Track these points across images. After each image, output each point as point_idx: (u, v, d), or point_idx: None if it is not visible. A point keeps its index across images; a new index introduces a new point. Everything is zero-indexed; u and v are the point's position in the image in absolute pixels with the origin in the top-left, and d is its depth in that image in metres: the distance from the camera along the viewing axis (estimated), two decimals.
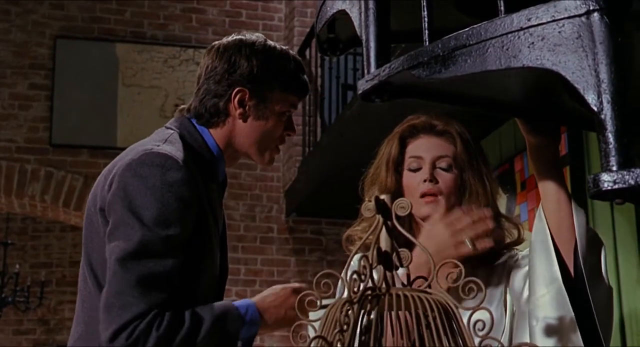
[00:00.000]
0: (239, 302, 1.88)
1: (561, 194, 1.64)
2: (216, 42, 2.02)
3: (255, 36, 2.01)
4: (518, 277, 1.78)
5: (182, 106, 2.02)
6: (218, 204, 1.96)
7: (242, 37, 2.00)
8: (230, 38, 2.01)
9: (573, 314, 1.56)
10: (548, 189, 1.66)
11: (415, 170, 1.90)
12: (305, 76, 2.04)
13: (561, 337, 1.58)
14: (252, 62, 1.95)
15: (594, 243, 1.64)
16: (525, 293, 1.71)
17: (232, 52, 1.96)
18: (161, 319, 1.70)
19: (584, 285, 1.57)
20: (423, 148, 1.91)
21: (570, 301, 1.56)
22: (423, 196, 1.86)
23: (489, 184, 1.89)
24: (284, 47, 2.03)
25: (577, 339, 1.56)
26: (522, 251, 1.87)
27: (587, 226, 1.64)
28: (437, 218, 1.80)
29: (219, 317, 1.79)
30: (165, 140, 1.88)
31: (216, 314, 1.80)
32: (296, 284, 2.00)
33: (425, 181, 1.86)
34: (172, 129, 1.95)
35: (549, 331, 1.59)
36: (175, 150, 1.84)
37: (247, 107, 1.95)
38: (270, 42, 2.00)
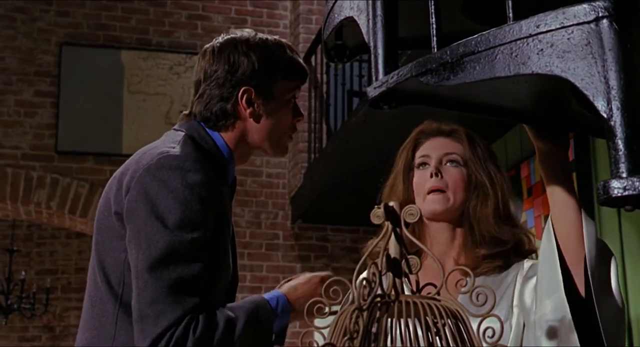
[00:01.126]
0: (268, 295, 1.88)
1: (570, 202, 1.62)
2: (207, 45, 2.00)
3: (246, 32, 1.99)
4: (528, 289, 1.76)
5: (185, 112, 2.00)
6: (229, 207, 1.96)
7: (234, 35, 1.98)
8: (221, 38, 1.99)
9: (571, 318, 1.55)
10: (557, 198, 1.64)
11: (423, 168, 1.92)
12: (300, 58, 2.04)
13: (560, 343, 1.57)
14: (251, 58, 1.93)
15: (603, 254, 1.62)
16: (534, 305, 1.70)
17: (229, 51, 1.94)
18: (196, 322, 1.69)
19: (592, 297, 1.55)
20: (431, 147, 1.93)
21: (580, 313, 1.55)
22: (430, 192, 1.87)
23: (498, 184, 1.89)
24: (275, 37, 2.02)
25: (575, 340, 1.55)
26: (530, 260, 1.86)
27: (597, 236, 1.63)
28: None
29: (252, 313, 1.79)
30: (178, 142, 1.86)
31: (249, 310, 1.79)
32: (323, 273, 2.00)
33: (431, 176, 1.88)
34: (182, 131, 1.93)
35: (550, 337, 1.59)
36: (190, 151, 1.83)
37: (255, 105, 1.93)
38: (261, 35, 1.99)
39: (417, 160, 1.94)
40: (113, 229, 1.82)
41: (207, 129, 1.94)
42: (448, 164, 1.90)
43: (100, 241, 1.86)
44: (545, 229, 1.65)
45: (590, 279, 1.56)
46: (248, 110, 1.93)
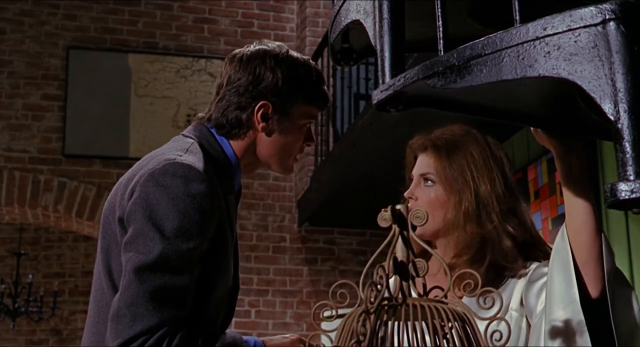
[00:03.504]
0: (247, 337, 1.88)
1: (581, 200, 1.60)
2: (237, 51, 1.99)
3: (278, 46, 1.98)
4: (533, 293, 1.74)
5: (200, 115, 1.99)
6: (234, 216, 1.95)
7: (265, 47, 1.97)
8: (252, 47, 1.98)
9: (588, 336, 1.53)
10: (568, 196, 1.62)
11: None
12: (325, 86, 2.03)
13: None
14: (277, 75, 1.92)
15: (620, 275, 1.61)
16: (539, 307, 1.69)
17: (256, 63, 1.93)
18: (172, 337, 1.68)
19: (607, 308, 1.54)
20: (416, 167, 1.93)
21: (591, 324, 1.53)
22: None
23: (484, 191, 1.84)
24: (304, 57, 2.01)
25: None
26: (534, 263, 1.83)
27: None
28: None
29: (229, 344, 1.79)
30: (186, 150, 1.86)
31: (226, 343, 1.79)
32: (302, 338, 2.00)
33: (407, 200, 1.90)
34: (191, 137, 1.93)
35: None
36: (197, 161, 1.82)
37: (270, 121, 1.93)
38: (292, 53, 1.98)
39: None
40: (117, 235, 1.81)
41: (216, 136, 1.94)
42: (423, 183, 1.90)
43: (105, 246, 1.85)
44: (560, 238, 1.62)
45: (607, 291, 1.54)
46: (261, 124, 1.93)
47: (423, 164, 1.91)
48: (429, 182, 1.88)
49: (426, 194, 1.88)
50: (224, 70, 1.98)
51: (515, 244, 1.82)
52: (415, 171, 1.92)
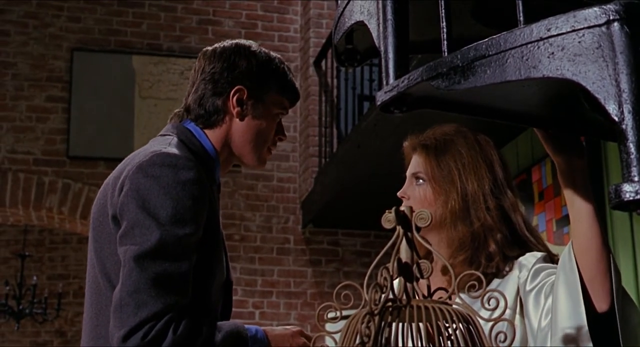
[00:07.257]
0: (249, 325, 1.89)
1: (584, 213, 1.58)
2: (210, 47, 2.06)
3: (250, 42, 2.07)
4: (534, 302, 1.72)
5: (176, 110, 2.05)
6: (219, 208, 1.97)
7: (238, 41, 2.05)
8: (225, 43, 2.05)
9: None
10: (577, 222, 1.59)
11: None
12: (296, 83, 2.10)
13: None
14: (251, 62, 1.99)
15: (625, 292, 1.59)
16: (544, 315, 1.67)
17: (230, 52, 2.00)
18: (177, 323, 1.69)
19: (613, 322, 1.52)
20: (409, 167, 1.96)
21: (597, 338, 1.53)
22: None
23: (472, 191, 1.85)
24: (278, 55, 2.08)
25: None
26: (529, 259, 1.82)
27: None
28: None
29: (231, 334, 1.79)
30: (169, 144, 1.89)
31: (228, 330, 1.80)
32: (303, 331, 2.02)
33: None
34: (169, 135, 1.96)
35: None
36: (182, 150, 1.86)
37: (244, 106, 1.97)
38: (264, 48, 2.06)
39: None
40: (110, 234, 1.81)
41: (194, 132, 1.97)
42: (415, 182, 1.92)
43: (98, 247, 1.86)
44: (567, 250, 1.61)
45: (614, 293, 1.54)
46: (236, 109, 1.97)
47: (414, 163, 1.94)
48: (420, 180, 1.91)
49: (417, 192, 1.91)
50: (197, 65, 2.05)
51: (498, 242, 1.81)
52: (408, 171, 1.95)
